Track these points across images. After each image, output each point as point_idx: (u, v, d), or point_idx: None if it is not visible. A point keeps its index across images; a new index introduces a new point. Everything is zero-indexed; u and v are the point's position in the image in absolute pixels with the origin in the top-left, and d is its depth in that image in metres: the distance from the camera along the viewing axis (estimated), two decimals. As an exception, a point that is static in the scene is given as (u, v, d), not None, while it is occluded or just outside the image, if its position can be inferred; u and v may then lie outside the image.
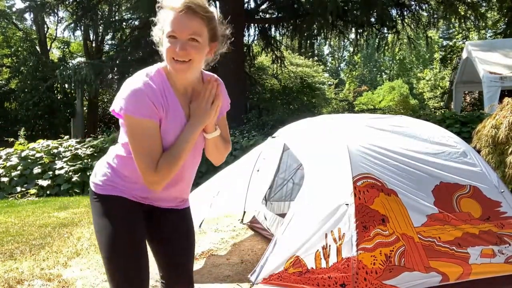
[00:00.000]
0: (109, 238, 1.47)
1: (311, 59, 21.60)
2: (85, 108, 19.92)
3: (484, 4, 13.88)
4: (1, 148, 9.36)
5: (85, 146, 9.02)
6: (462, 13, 12.72)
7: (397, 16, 13.17)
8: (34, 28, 20.72)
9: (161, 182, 1.39)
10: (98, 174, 1.57)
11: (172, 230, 1.62)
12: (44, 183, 7.97)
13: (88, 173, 8.19)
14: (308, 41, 14.48)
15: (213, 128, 1.50)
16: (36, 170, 8.20)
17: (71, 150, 8.88)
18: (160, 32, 1.40)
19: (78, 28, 14.19)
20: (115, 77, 13.75)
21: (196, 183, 8.27)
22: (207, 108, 1.44)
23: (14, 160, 8.50)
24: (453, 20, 13.34)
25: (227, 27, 1.51)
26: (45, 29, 20.53)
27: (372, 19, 12.80)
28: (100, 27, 15.28)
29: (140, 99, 1.34)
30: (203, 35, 1.35)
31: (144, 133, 1.36)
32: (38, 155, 8.60)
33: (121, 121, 1.45)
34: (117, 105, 1.38)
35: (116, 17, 15.55)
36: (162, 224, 1.62)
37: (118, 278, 1.46)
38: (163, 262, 1.66)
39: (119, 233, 1.47)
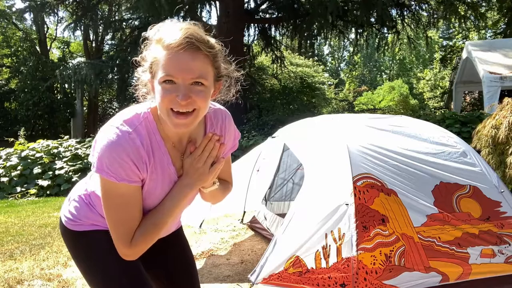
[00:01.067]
0: (113, 278, 1.25)
1: (311, 59, 21.60)
2: (85, 108, 19.93)
3: (484, 4, 13.88)
4: (1, 148, 9.36)
5: (85, 146, 9.03)
6: (462, 13, 12.72)
7: (397, 16, 13.18)
8: (34, 28, 20.73)
9: (134, 255, 1.14)
10: (73, 210, 1.32)
11: (173, 257, 1.45)
12: (44, 183, 7.97)
13: (88, 173, 8.19)
14: (308, 41, 14.48)
15: (211, 183, 1.24)
16: (36, 170, 8.20)
17: (71, 150, 8.88)
18: (147, 76, 1.09)
19: (78, 28, 14.19)
20: (115, 77, 13.75)
21: (196, 183, 8.24)
22: (205, 170, 1.16)
23: (14, 160, 8.50)
24: (453, 20, 13.33)
25: (231, 64, 1.23)
26: (45, 29, 20.54)
27: (372, 19, 12.80)
28: (100, 27, 15.29)
29: (118, 160, 1.05)
30: (209, 76, 1.06)
31: (121, 200, 1.10)
32: (38, 155, 8.60)
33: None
34: (93, 156, 1.10)
35: (116, 17, 15.56)
36: (159, 253, 1.41)
37: None
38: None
39: (123, 272, 1.25)
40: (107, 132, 1.08)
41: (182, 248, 1.48)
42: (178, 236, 1.47)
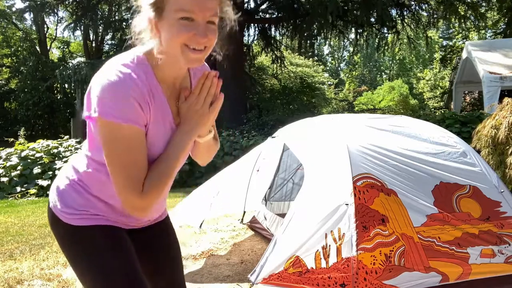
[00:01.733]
0: (113, 279, 1.15)
1: (311, 59, 21.61)
2: (85, 108, 19.91)
3: (484, 4, 13.88)
4: (1, 148, 9.36)
5: (85, 146, 9.02)
6: (462, 13, 12.73)
7: (397, 16, 13.18)
8: (34, 28, 20.74)
9: (148, 208, 1.07)
10: (65, 199, 1.19)
11: (159, 248, 1.38)
12: (44, 183, 7.97)
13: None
14: (308, 41, 14.50)
15: (208, 131, 1.19)
16: (36, 170, 8.20)
17: (71, 150, 8.88)
18: (147, 18, 1.03)
19: (78, 28, 14.20)
20: (115, 77, 13.75)
21: (196, 183, 8.24)
22: (205, 111, 1.11)
23: (14, 160, 8.50)
24: (453, 20, 13.35)
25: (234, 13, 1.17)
26: (45, 29, 20.54)
27: (372, 19, 12.81)
28: (100, 27, 15.29)
29: (121, 99, 0.99)
30: (217, 16, 1.06)
31: (127, 144, 1.02)
32: (38, 155, 8.60)
33: (90, 127, 1.13)
34: (89, 107, 1.03)
35: (116, 17, 15.56)
36: (148, 245, 1.34)
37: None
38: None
39: (123, 271, 1.16)
40: (106, 74, 1.01)
41: (168, 241, 1.42)
42: (164, 229, 1.40)
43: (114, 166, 1.04)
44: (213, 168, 7.91)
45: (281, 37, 16.04)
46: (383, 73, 39.35)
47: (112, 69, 1.02)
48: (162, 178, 1.07)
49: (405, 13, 13.21)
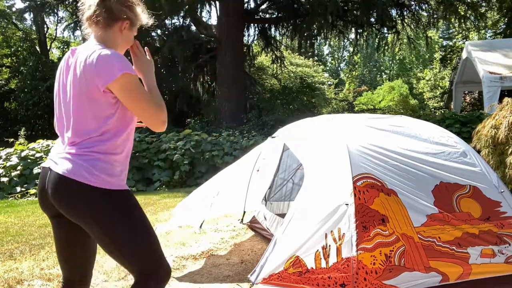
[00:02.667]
0: (147, 223, 1.58)
1: (311, 59, 21.62)
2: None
3: (484, 4, 13.88)
4: (1, 148, 9.36)
5: (85, 146, 9.02)
6: (462, 13, 12.73)
7: (397, 16, 13.18)
8: (34, 28, 20.72)
9: (166, 122, 1.60)
10: (98, 168, 1.49)
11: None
12: (44, 183, 7.97)
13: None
14: (308, 41, 14.50)
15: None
16: (36, 170, 8.20)
17: (71, 150, 8.88)
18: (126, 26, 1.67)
19: (78, 28, 14.16)
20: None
21: (196, 183, 8.23)
22: (150, 59, 1.72)
23: (14, 160, 8.50)
24: (453, 20, 13.35)
25: None
26: (45, 29, 20.54)
27: (372, 19, 12.81)
28: (100, 27, 15.26)
29: (125, 60, 1.50)
30: None
31: (140, 87, 1.54)
32: (38, 155, 8.60)
33: (107, 95, 1.51)
34: (114, 70, 1.46)
35: (116, 17, 15.53)
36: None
37: (158, 249, 1.57)
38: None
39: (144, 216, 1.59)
40: (106, 51, 1.50)
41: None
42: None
43: (142, 102, 1.53)
44: (213, 168, 7.93)
45: (281, 37, 16.03)
46: (383, 73, 39.35)
47: (104, 50, 1.52)
48: (158, 99, 1.59)
49: (405, 13, 13.21)
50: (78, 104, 1.52)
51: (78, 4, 1.68)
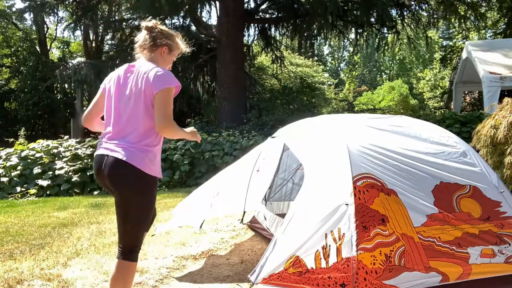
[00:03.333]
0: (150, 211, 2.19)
1: (311, 59, 21.62)
2: (85, 108, 19.91)
3: (484, 4, 13.88)
4: (1, 148, 9.36)
5: (85, 146, 9.03)
6: (462, 13, 12.73)
7: (397, 16, 13.17)
8: (34, 28, 20.73)
9: (168, 132, 2.10)
10: (150, 161, 2.09)
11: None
12: (44, 183, 7.97)
13: (88, 173, 8.19)
14: (308, 41, 14.50)
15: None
16: (36, 170, 8.20)
17: (71, 150, 8.88)
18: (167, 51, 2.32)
19: (78, 28, 14.21)
20: (115, 77, 13.73)
21: (196, 183, 8.22)
22: (192, 135, 2.31)
23: (14, 160, 8.50)
24: (453, 20, 13.35)
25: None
26: (45, 29, 20.54)
27: (372, 19, 12.80)
28: (100, 27, 15.29)
29: (171, 76, 2.12)
30: None
31: (171, 98, 2.10)
32: (38, 155, 8.60)
33: (154, 98, 2.07)
34: (163, 83, 2.07)
35: (116, 17, 15.56)
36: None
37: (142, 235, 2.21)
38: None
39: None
40: (160, 70, 2.12)
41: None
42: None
43: (166, 111, 2.06)
44: (213, 168, 7.93)
45: (281, 37, 16.03)
46: (383, 73, 39.35)
47: (162, 69, 2.15)
48: (177, 131, 2.13)
49: (405, 13, 13.20)
50: (135, 106, 2.09)
51: (135, 39, 2.35)
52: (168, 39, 2.27)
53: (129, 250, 2.15)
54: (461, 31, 21.35)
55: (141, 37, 2.30)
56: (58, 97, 18.27)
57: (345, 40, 15.24)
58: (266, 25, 14.52)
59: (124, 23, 14.47)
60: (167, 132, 2.09)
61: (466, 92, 16.36)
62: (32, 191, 7.82)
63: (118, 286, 2.17)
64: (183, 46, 2.38)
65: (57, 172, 8.19)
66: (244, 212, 4.68)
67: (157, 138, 2.13)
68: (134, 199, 2.07)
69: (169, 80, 2.08)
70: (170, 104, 2.08)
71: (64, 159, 8.53)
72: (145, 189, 2.08)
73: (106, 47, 19.63)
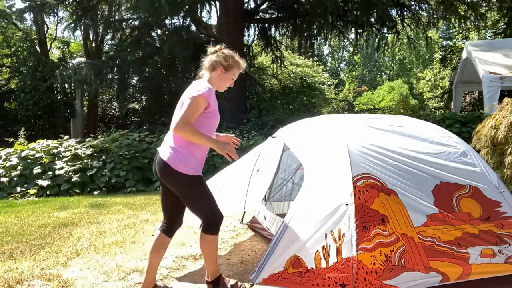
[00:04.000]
0: (203, 194, 2.63)
1: (311, 59, 21.60)
2: (85, 108, 19.92)
3: (484, 4, 13.88)
4: (1, 148, 9.36)
5: (85, 146, 9.03)
6: (462, 13, 12.73)
7: (397, 16, 13.17)
8: (34, 28, 20.70)
9: (182, 133, 2.48)
10: (186, 164, 2.53)
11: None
12: (44, 183, 7.97)
13: (88, 173, 8.19)
14: (308, 41, 14.48)
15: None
16: (36, 170, 8.20)
17: (71, 150, 8.88)
18: (220, 67, 2.67)
19: (78, 28, 14.19)
20: (115, 77, 13.75)
21: (196, 183, 8.07)
22: (227, 151, 2.63)
23: (14, 160, 8.50)
24: (453, 20, 13.35)
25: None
26: (45, 29, 20.52)
27: (372, 19, 12.80)
28: (100, 27, 15.28)
29: (209, 90, 2.52)
30: None
31: (197, 108, 2.50)
32: (38, 155, 8.60)
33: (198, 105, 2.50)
34: (196, 92, 2.48)
35: (116, 17, 15.55)
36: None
37: (211, 206, 2.63)
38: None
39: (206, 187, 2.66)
40: (201, 84, 2.56)
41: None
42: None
43: (183, 113, 2.44)
44: (213, 168, 7.92)
45: (281, 37, 16.02)
46: (383, 73, 39.35)
47: (204, 84, 2.56)
48: (195, 135, 2.48)
49: (405, 13, 13.20)
50: (176, 113, 2.54)
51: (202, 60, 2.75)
52: (226, 60, 2.66)
53: (204, 225, 2.63)
54: (461, 31, 21.35)
55: (207, 59, 2.71)
56: (58, 97, 18.23)
57: (345, 40, 15.23)
58: (266, 25, 14.52)
59: (124, 23, 14.47)
60: (179, 133, 2.46)
61: (466, 92, 16.37)
62: (32, 191, 7.82)
63: (205, 256, 2.71)
64: (243, 65, 2.74)
65: (57, 172, 8.19)
66: (244, 212, 4.67)
67: (183, 140, 2.52)
68: (175, 190, 2.59)
69: (198, 90, 2.47)
70: (191, 110, 2.45)
71: (64, 159, 8.53)
72: (180, 183, 2.54)
73: (106, 47, 19.64)
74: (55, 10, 13.91)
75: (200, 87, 2.49)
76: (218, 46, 2.74)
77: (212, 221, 2.60)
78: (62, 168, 8.26)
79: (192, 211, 2.66)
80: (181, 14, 13.16)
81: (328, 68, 37.66)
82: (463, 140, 3.25)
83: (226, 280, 2.78)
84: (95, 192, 7.99)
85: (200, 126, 2.50)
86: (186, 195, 2.59)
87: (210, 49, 2.72)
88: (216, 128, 2.71)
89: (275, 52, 15.22)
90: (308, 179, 2.84)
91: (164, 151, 2.57)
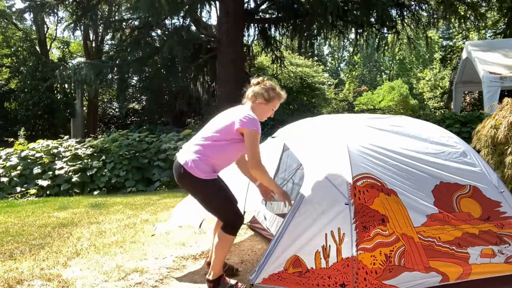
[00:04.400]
0: (221, 196, 2.78)
1: (311, 59, 21.60)
2: (85, 108, 19.92)
3: (484, 4, 13.88)
4: (1, 148, 9.36)
5: (85, 146, 9.03)
6: (462, 13, 12.72)
7: (397, 16, 13.16)
8: (34, 28, 20.71)
9: (258, 171, 2.74)
10: (203, 168, 2.67)
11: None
12: (44, 183, 7.97)
13: (88, 173, 8.19)
14: (308, 41, 14.47)
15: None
16: (36, 170, 8.20)
17: (71, 150, 8.88)
18: (262, 99, 2.87)
19: (78, 28, 14.17)
20: (115, 77, 13.75)
21: (196, 183, 8.08)
22: (281, 198, 2.95)
23: (14, 160, 8.50)
24: (453, 20, 13.34)
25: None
26: (45, 29, 20.52)
27: (372, 19, 12.79)
28: (100, 27, 15.28)
29: (256, 122, 2.72)
30: None
31: (257, 141, 2.71)
32: (38, 155, 8.60)
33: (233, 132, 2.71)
34: (249, 125, 2.67)
35: (116, 17, 15.55)
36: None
37: (231, 208, 2.78)
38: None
39: (229, 196, 2.85)
40: (251, 116, 2.70)
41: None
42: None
43: (254, 151, 2.65)
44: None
45: (281, 37, 16.01)
46: (383, 73, 39.35)
47: (251, 115, 2.72)
48: (265, 174, 2.76)
49: (405, 13, 13.19)
50: (216, 131, 2.74)
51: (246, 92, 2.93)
52: (267, 93, 2.85)
53: (223, 224, 2.75)
54: (461, 31, 21.35)
55: (250, 90, 2.90)
56: (58, 97, 18.24)
57: (345, 40, 15.21)
58: (266, 25, 14.51)
59: (124, 23, 14.46)
60: (258, 172, 2.74)
61: (466, 92, 16.37)
62: (32, 191, 7.82)
63: (216, 252, 2.74)
64: (284, 95, 2.96)
65: (57, 172, 8.19)
66: (244, 212, 4.66)
67: (209, 157, 2.72)
68: (192, 194, 2.83)
69: (255, 126, 2.70)
70: (256, 146, 2.70)
71: (64, 159, 8.53)
72: (196, 187, 2.72)
73: (106, 47, 19.64)
74: (55, 10, 13.89)
75: (251, 118, 2.67)
76: (260, 78, 2.92)
77: (232, 222, 2.70)
78: (62, 168, 8.26)
79: (212, 213, 2.78)
80: (181, 14, 13.15)
81: (328, 68, 37.66)
82: (463, 140, 3.25)
83: (227, 280, 2.79)
84: (95, 192, 7.99)
85: (232, 150, 2.72)
86: (204, 199, 2.73)
87: (253, 80, 2.91)
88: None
89: (275, 52, 15.21)
90: (308, 179, 2.84)
91: (184, 157, 2.71)
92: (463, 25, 14.22)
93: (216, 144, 2.69)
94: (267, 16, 14.63)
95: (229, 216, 2.72)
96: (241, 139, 2.68)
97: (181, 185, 2.77)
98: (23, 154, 8.63)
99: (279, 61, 15.45)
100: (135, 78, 16.18)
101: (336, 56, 40.70)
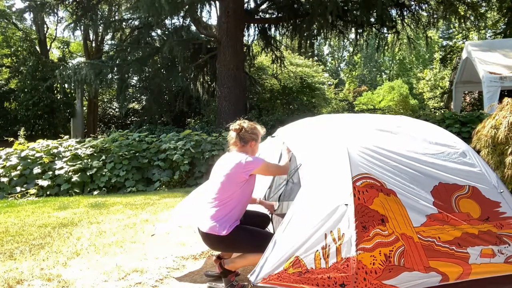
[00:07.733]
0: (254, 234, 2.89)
1: (311, 59, 21.59)
2: (85, 108, 19.93)
3: (484, 4, 13.88)
4: (1, 148, 9.36)
5: (85, 146, 9.03)
6: (462, 13, 12.73)
7: (397, 16, 13.17)
8: (34, 28, 20.71)
9: (282, 172, 3.24)
10: (223, 225, 2.79)
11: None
12: (44, 183, 7.98)
13: (88, 173, 8.20)
14: (308, 41, 14.47)
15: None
16: (36, 170, 8.20)
17: (71, 150, 8.88)
18: (254, 140, 3.04)
19: (78, 28, 14.18)
20: (115, 77, 13.75)
21: (196, 183, 8.19)
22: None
23: (14, 160, 8.50)
24: (453, 20, 13.35)
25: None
26: (45, 29, 20.52)
27: (372, 19, 12.79)
28: (100, 27, 15.28)
29: (260, 160, 2.96)
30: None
31: (270, 166, 3.11)
32: (38, 155, 8.60)
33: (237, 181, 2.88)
34: (256, 165, 2.91)
35: (116, 17, 15.56)
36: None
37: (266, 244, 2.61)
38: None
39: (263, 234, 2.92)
40: (249, 159, 2.87)
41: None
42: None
43: (274, 170, 3.17)
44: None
45: (281, 37, 16.01)
46: (383, 73, 39.35)
47: (249, 157, 2.90)
48: (286, 164, 3.22)
49: (405, 13, 13.19)
50: (225, 184, 2.84)
51: (227, 138, 3.05)
52: (254, 134, 2.99)
53: None
54: (461, 31, 21.35)
55: (233, 135, 2.98)
56: (58, 97, 18.24)
57: (345, 40, 15.22)
58: (266, 25, 14.51)
59: (124, 23, 14.47)
60: (286, 173, 3.29)
61: (466, 92, 16.36)
62: (32, 191, 7.82)
63: (248, 256, 2.83)
64: (262, 132, 3.09)
65: (57, 172, 8.19)
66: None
67: (236, 209, 2.88)
68: (226, 251, 3.09)
69: (257, 164, 2.88)
70: (272, 165, 3.12)
71: (64, 159, 8.54)
72: (225, 243, 2.84)
73: (106, 47, 19.64)
74: (55, 10, 13.91)
75: (251, 159, 2.85)
76: (237, 123, 2.99)
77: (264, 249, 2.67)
78: (62, 168, 8.27)
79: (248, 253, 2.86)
80: (181, 14, 13.15)
81: (328, 68, 37.65)
82: (463, 140, 3.25)
83: (233, 279, 2.87)
84: (95, 192, 7.99)
85: (246, 192, 2.87)
86: (236, 249, 2.89)
87: (233, 127, 2.98)
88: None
89: (275, 52, 15.21)
90: (308, 179, 2.84)
91: (206, 224, 2.79)
92: (463, 25, 14.23)
93: (233, 199, 2.81)
94: (267, 16, 14.63)
95: (263, 249, 2.63)
96: (248, 178, 2.84)
97: (212, 248, 2.99)
98: (23, 154, 8.63)
99: (279, 61, 15.45)
100: (135, 78, 16.18)
101: (336, 56, 40.71)
